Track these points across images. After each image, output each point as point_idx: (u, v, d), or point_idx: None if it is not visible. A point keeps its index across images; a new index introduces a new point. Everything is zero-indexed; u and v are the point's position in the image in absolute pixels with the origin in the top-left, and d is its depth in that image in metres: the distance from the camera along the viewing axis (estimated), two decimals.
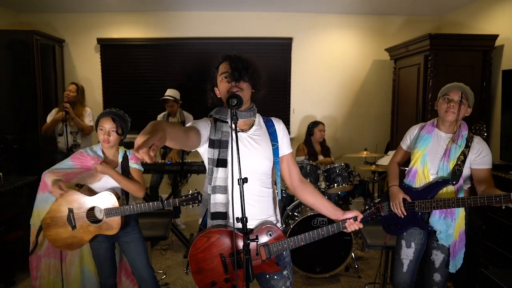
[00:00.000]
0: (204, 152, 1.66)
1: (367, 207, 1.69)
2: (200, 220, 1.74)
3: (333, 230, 1.66)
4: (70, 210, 2.21)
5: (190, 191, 2.21)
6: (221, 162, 1.61)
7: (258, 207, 1.67)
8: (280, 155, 1.73)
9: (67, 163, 2.28)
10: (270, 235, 1.65)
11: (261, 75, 1.66)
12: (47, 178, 2.23)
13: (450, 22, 4.78)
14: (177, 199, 2.21)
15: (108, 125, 2.21)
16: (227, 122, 1.64)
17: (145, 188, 2.36)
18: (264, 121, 1.76)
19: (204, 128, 1.61)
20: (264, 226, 1.66)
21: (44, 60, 4.49)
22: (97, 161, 2.25)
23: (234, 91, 1.56)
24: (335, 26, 5.05)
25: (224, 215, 1.64)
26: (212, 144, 1.62)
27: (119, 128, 2.24)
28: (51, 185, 2.14)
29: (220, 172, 1.61)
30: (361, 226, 1.66)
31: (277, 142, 1.72)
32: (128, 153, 2.34)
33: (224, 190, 1.62)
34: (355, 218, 1.65)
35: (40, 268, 2.41)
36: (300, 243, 1.67)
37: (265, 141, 1.70)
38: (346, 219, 1.65)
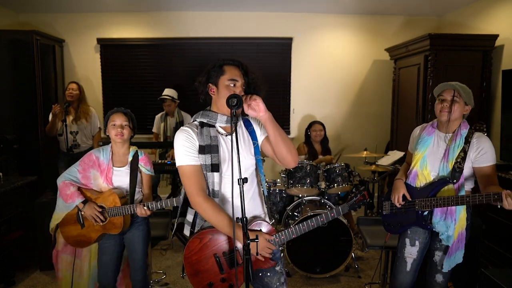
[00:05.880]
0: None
1: (353, 194, 1.70)
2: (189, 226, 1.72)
3: (322, 220, 1.69)
4: (78, 209, 2.24)
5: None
6: (215, 167, 1.62)
7: (249, 205, 1.68)
8: (262, 140, 1.75)
9: (74, 170, 2.27)
10: (261, 230, 1.65)
11: (262, 89, 1.70)
12: (68, 191, 2.21)
13: (450, 22, 4.78)
14: (174, 198, 2.19)
15: (120, 119, 2.22)
16: (215, 126, 1.66)
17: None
18: (242, 121, 1.77)
19: (195, 151, 1.62)
20: (254, 222, 1.66)
21: (44, 60, 4.49)
22: (104, 168, 2.24)
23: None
24: (335, 26, 5.05)
25: None
26: (203, 150, 1.62)
27: (130, 122, 2.27)
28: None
29: (215, 177, 1.63)
30: None
31: (257, 141, 1.75)
32: (139, 153, 2.32)
33: (217, 194, 1.64)
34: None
35: (59, 262, 2.52)
36: (291, 236, 1.68)
37: (247, 140, 1.73)
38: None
